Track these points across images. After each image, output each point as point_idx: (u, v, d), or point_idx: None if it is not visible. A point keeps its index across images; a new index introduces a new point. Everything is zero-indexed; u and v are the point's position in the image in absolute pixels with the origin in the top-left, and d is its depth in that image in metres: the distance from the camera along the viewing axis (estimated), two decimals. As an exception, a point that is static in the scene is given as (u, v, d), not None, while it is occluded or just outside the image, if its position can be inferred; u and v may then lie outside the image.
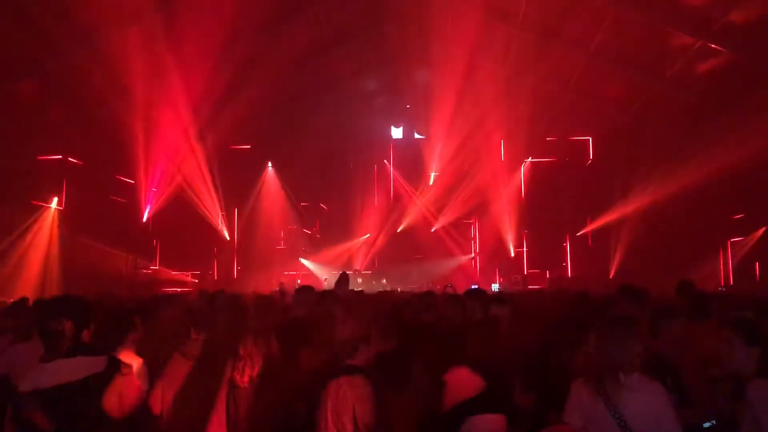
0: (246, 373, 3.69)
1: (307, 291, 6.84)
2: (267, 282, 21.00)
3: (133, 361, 3.72)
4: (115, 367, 3.02)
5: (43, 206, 18.71)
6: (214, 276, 23.53)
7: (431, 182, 24.57)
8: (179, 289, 19.70)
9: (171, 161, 20.60)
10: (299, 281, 23.33)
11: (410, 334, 4.06)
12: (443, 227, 24.56)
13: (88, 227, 18.83)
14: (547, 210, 22.87)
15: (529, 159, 23.80)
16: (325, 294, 7.65)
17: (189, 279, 23.10)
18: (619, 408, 2.93)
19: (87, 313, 3.26)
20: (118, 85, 15.95)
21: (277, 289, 18.35)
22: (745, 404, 3.03)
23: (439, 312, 6.01)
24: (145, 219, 21.74)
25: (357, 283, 19.89)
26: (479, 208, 24.05)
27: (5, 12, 13.06)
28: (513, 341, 4.53)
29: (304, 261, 24.51)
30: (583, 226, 22.91)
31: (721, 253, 18.71)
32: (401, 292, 14.90)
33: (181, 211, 21.65)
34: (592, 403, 3.02)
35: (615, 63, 17.18)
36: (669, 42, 15.30)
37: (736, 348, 3.22)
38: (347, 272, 13.20)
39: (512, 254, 23.49)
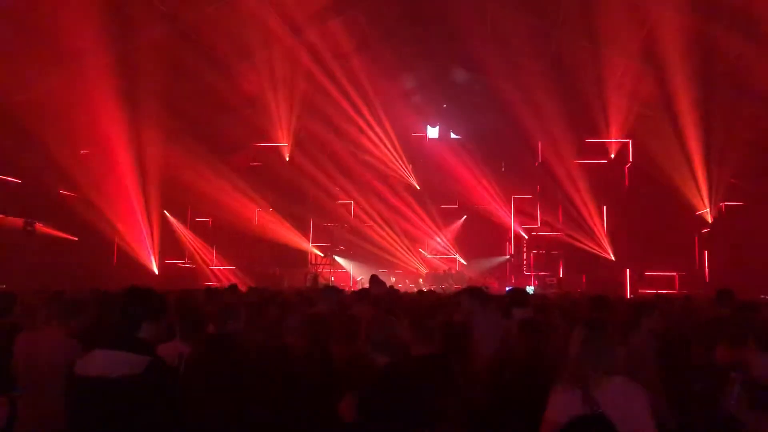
0: None
1: (333, 291, 6.85)
2: (303, 278, 21.22)
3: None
4: (156, 369, 3.00)
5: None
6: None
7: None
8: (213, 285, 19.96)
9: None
10: (333, 279, 23.54)
11: (454, 336, 4.04)
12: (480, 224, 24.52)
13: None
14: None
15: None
16: (362, 294, 7.69)
17: (226, 274, 23.44)
18: (601, 411, 2.91)
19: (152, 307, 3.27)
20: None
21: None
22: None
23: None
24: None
25: (390, 282, 19.92)
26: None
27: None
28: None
29: (338, 258, 24.66)
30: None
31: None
32: (437, 292, 14.84)
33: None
34: (574, 406, 2.99)
35: (651, 64, 16.90)
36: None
37: (753, 354, 3.17)
38: (376, 274, 13.29)
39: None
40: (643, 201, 21.60)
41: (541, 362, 3.97)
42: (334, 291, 6.86)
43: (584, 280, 22.55)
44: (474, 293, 5.63)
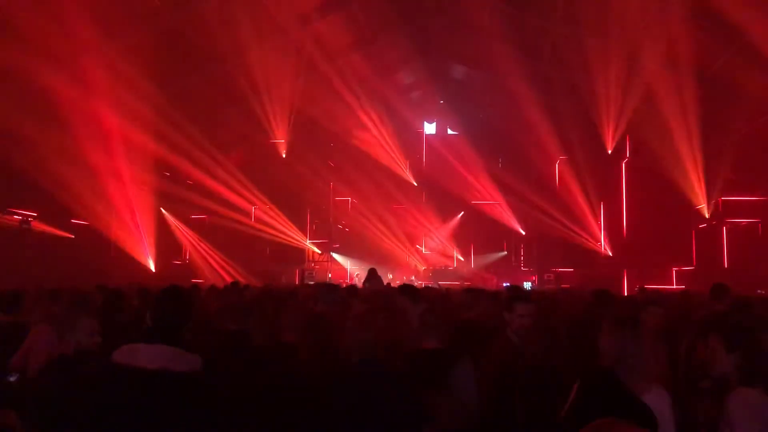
0: None
1: (331, 290, 6.83)
2: (299, 275, 21.21)
3: None
4: (211, 368, 2.99)
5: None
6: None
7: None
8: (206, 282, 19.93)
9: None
10: (330, 275, 23.54)
11: (458, 333, 4.02)
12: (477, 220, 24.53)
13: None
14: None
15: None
16: (350, 290, 7.65)
17: (220, 271, 23.39)
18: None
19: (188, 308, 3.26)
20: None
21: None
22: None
23: (478, 309, 5.95)
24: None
25: (388, 278, 19.90)
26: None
27: None
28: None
29: (335, 255, 24.64)
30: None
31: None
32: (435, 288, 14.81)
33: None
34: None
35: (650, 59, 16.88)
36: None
37: (718, 355, 3.12)
38: (374, 268, 13.24)
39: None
40: (641, 196, 21.61)
41: (549, 362, 3.97)
42: (330, 288, 6.84)
43: (581, 276, 22.55)
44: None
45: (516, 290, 6.11)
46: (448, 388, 3.45)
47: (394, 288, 11.72)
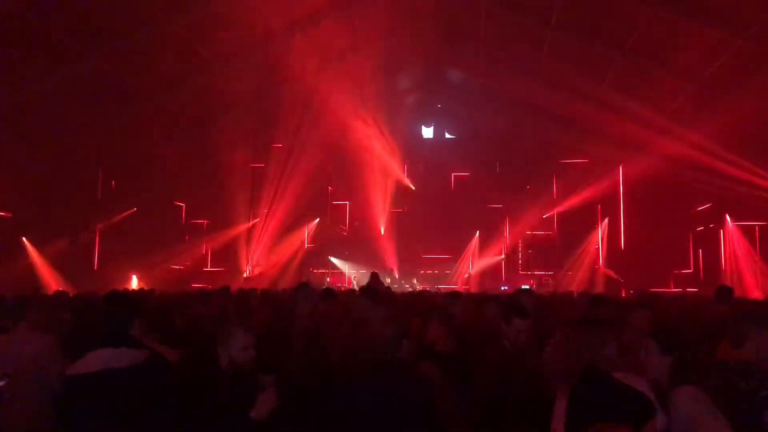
0: None
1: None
2: (298, 280, 21.14)
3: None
4: (155, 361, 3.09)
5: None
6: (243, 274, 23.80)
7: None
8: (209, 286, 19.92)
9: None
10: (328, 279, 23.54)
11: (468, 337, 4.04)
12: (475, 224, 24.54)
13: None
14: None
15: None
16: (326, 294, 7.61)
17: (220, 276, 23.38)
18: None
19: (133, 308, 3.36)
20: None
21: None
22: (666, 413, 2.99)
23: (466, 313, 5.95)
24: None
25: (386, 283, 19.88)
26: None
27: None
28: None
29: (333, 259, 24.64)
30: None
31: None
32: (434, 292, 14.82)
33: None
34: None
35: (645, 62, 16.93)
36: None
37: (652, 356, 3.23)
38: (376, 272, 13.24)
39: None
40: (639, 200, 21.66)
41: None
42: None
43: (580, 279, 22.57)
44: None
45: (515, 302, 6.01)
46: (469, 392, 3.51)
47: (392, 292, 11.77)
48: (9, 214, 16.71)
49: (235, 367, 3.38)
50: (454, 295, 6.78)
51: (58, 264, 17.62)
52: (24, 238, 17.48)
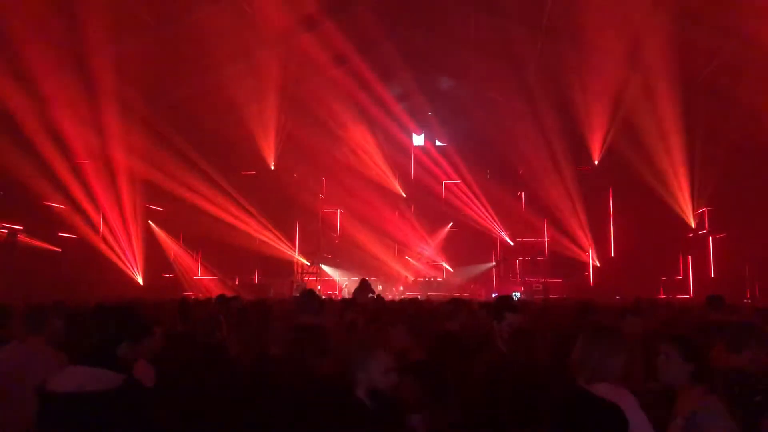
0: None
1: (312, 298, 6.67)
2: (289, 287, 21.14)
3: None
4: (130, 387, 2.92)
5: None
6: (235, 282, 23.71)
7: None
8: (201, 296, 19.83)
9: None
10: (319, 287, 23.48)
11: (439, 344, 4.03)
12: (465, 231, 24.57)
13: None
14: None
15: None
16: (347, 303, 7.62)
17: (211, 284, 23.29)
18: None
19: (125, 326, 3.21)
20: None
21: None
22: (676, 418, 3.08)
23: (463, 321, 5.95)
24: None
25: (377, 290, 19.87)
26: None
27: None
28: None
29: (324, 267, 24.60)
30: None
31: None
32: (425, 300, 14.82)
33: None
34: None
35: (634, 71, 17.06)
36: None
37: (671, 362, 3.25)
38: (366, 279, 13.23)
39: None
40: (628, 207, 21.77)
41: (533, 367, 3.98)
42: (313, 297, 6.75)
43: (569, 286, 22.64)
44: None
45: (505, 300, 6.10)
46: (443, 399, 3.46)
47: (382, 299, 11.75)
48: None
49: (376, 396, 3.05)
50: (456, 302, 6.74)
51: (46, 272, 17.46)
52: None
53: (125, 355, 3.08)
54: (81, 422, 2.79)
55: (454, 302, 6.57)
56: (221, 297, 8.91)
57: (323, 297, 16.62)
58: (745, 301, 17.37)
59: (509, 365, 4.16)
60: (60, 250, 19.05)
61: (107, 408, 2.79)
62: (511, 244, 24.58)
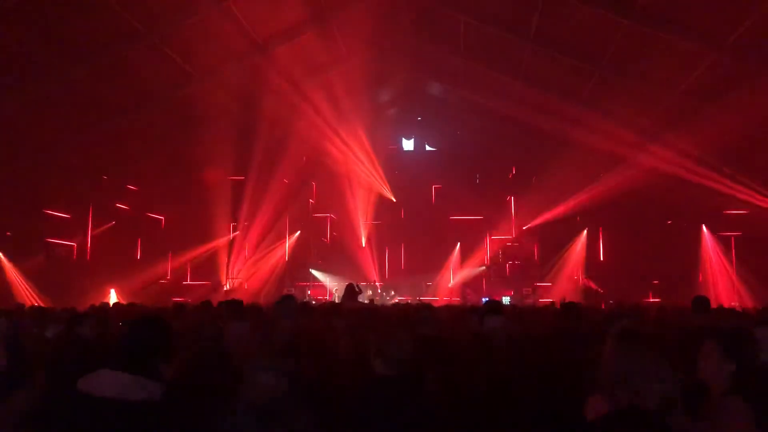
0: None
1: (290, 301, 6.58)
2: (278, 293, 21.06)
3: None
4: (174, 396, 2.91)
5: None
6: (224, 287, 23.61)
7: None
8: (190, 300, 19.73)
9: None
10: (309, 292, 23.45)
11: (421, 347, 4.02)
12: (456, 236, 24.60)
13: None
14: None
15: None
16: (330, 309, 7.56)
17: (201, 289, 23.18)
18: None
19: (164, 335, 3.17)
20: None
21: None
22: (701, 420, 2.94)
23: (438, 325, 5.94)
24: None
25: (366, 295, 19.87)
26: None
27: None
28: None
29: (314, 272, 24.57)
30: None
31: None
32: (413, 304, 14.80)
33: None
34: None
35: (626, 75, 17.14)
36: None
37: (710, 360, 3.13)
38: (353, 284, 13.19)
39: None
40: (617, 211, 21.87)
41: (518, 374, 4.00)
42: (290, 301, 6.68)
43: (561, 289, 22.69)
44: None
45: (488, 304, 6.13)
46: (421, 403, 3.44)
47: (375, 305, 11.73)
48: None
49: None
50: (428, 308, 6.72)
51: (33, 278, 17.36)
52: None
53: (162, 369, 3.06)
54: (119, 429, 2.76)
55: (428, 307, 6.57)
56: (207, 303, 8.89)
57: (313, 302, 16.59)
58: (733, 305, 17.39)
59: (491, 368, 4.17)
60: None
61: (145, 417, 2.77)
62: (501, 248, 24.63)
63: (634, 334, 3.25)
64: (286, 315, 5.60)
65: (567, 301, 16.30)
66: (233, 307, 6.40)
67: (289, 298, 6.24)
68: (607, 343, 3.23)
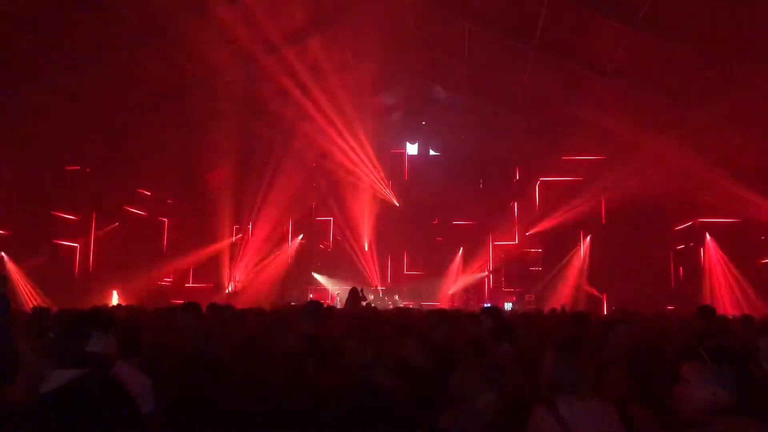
0: None
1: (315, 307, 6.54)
2: (280, 296, 21.10)
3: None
4: (89, 382, 2.91)
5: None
6: (226, 290, 23.64)
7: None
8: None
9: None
10: (311, 296, 23.44)
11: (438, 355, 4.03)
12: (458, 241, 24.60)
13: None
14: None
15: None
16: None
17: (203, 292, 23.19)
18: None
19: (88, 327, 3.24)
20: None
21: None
22: None
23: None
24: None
25: (369, 299, 19.84)
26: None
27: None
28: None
29: (316, 275, 24.58)
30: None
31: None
32: (417, 309, 14.81)
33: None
34: (550, 427, 2.91)
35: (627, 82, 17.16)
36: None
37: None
38: (356, 287, 13.21)
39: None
40: (620, 218, 21.85)
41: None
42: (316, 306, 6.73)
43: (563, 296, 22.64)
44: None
45: (502, 325, 5.88)
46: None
47: (373, 308, 11.73)
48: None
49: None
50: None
51: (37, 279, 17.38)
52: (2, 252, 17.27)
53: (97, 349, 3.12)
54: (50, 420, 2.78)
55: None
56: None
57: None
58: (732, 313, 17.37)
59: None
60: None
61: (62, 404, 2.78)
62: (504, 253, 24.60)
63: (571, 344, 3.31)
64: (308, 319, 5.56)
65: (566, 307, 16.43)
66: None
67: (316, 303, 6.24)
68: (547, 352, 3.26)
